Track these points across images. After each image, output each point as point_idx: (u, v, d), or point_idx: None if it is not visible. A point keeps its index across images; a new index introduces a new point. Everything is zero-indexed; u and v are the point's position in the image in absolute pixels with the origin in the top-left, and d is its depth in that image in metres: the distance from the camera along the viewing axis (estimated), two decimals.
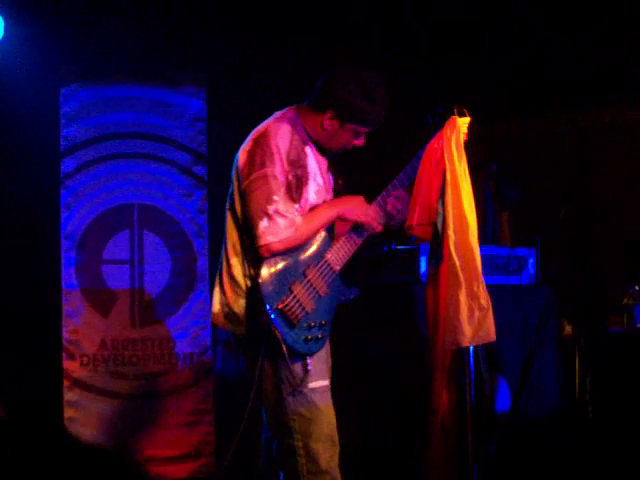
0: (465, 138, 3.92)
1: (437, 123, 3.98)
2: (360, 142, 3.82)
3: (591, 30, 5.69)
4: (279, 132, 3.67)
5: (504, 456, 4.75)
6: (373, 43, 5.80)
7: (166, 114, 5.86)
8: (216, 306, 3.75)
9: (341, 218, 3.81)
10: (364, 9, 5.72)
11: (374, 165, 5.17)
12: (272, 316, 3.58)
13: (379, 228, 3.89)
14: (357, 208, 3.82)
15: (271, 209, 3.59)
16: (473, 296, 3.84)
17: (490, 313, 3.86)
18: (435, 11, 5.70)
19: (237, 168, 3.72)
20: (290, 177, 3.65)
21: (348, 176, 4.04)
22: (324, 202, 3.80)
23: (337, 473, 3.73)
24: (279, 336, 3.57)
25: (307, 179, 3.71)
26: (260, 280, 3.59)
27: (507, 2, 5.70)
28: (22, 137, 5.52)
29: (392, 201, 3.90)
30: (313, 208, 3.74)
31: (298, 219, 3.65)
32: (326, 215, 3.76)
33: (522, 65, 5.90)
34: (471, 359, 3.96)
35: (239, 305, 3.68)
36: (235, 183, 3.73)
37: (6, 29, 5.27)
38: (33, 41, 5.41)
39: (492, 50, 5.82)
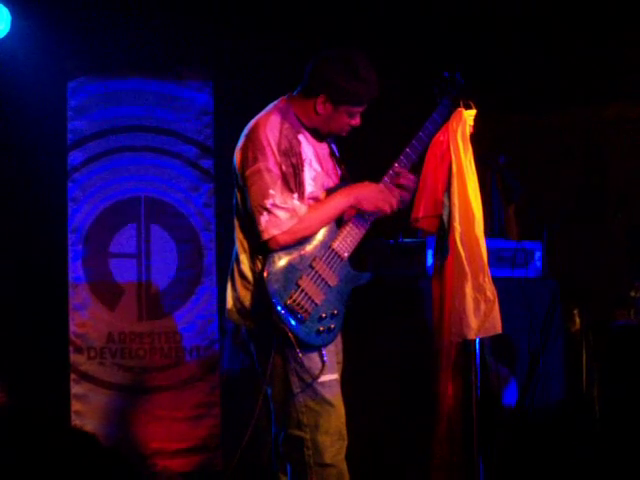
0: (471, 130, 3.92)
1: (443, 90, 3.96)
2: (356, 122, 3.79)
3: (599, 25, 5.69)
4: (267, 124, 3.66)
5: (510, 450, 4.75)
6: (378, 23, 5.77)
7: (173, 107, 5.86)
8: (229, 302, 3.76)
9: (355, 208, 3.76)
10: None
11: (381, 141, 5.13)
12: (281, 313, 3.58)
13: (392, 210, 3.82)
14: (372, 196, 3.75)
15: (268, 203, 3.59)
16: (479, 288, 3.84)
17: (496, 305, 3.86)
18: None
19: (234, 166, 3.74)
20: (285, 167, 3.64)
21: (355, 153, 4.01)
22: (338, 190, 3.76)
23: (344, 466, 3.74)
24: (290, 332, 3.58)
25: (302, 166, 3.69)
26: (266, 277, 3.58)
27: None
28: (29, 130, 5.52)
29: (400, 178, 3.83)
30: (312, 195, 3.71)
31: (302, 210, 3.64)
32: (337, 206, 3.72)
33: (529, 58, 5.88)
34: (477, 352, 3.96)
35: (250, 300, 3.69)
36: (235, 181, 3.75)
37: (13, 23, 5.28)
38: (40, 35, 5.41)
39: (498, 43, 5.81)
